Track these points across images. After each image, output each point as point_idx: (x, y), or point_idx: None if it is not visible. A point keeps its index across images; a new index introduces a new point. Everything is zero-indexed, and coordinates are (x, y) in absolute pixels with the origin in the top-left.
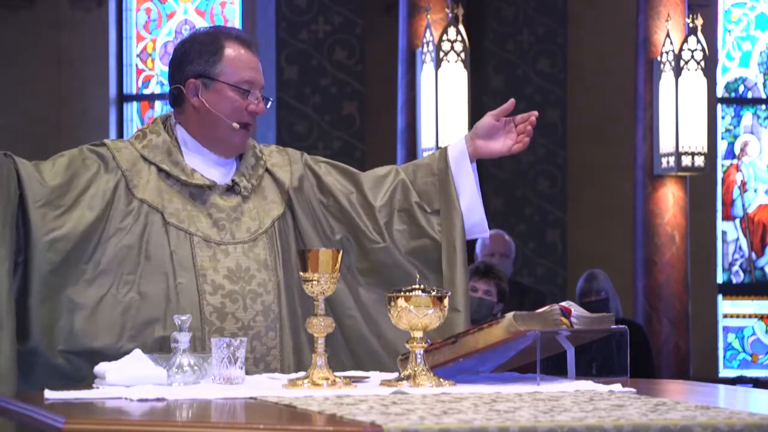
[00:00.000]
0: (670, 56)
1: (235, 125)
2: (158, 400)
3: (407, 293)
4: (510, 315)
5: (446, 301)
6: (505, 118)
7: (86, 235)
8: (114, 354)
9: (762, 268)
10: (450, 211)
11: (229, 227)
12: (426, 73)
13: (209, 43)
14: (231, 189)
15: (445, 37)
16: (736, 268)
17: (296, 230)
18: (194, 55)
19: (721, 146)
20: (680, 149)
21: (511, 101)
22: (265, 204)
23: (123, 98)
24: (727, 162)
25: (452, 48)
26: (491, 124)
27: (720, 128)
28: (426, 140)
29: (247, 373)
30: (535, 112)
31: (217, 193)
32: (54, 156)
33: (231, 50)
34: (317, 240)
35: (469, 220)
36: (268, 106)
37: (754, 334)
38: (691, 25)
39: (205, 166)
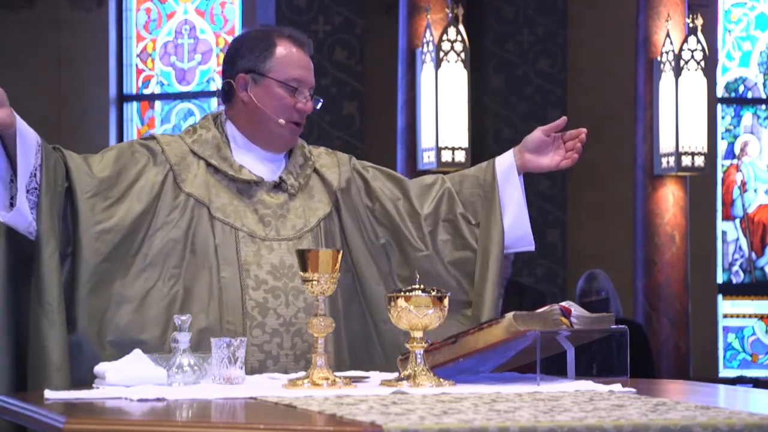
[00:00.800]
0: (670, 56)
1: (281, 121)
2: (158, 400)
3: (407, 293)
4: (510, 315)
5: (446, 301)
6: (555, 134)
7: (134, 227)
8: (159, 347)
9: (762, 268)
10: (490, 224)
11: (275, 224)
12: (426, 73)
13: (261, 39)
14: (278, 186)
15: (445, 37)
16: (736, 268)
17: (342, 231)
18: (246, 51)
19: (721, 146)
20: (680, 149)
21: (563, 119)
22: (312, 203)
23: (123, 98)
24: (727, 162)
25: (452, 48)
26: (541, 139)
27: (720, 128)
28: (426, 140)
29: (287, 370)
30: (584, 129)
31: (264, 190)
32: (104, 150)
33: (282, 48)
34: (362, 243)
35: (515, 233)
36: (318, 106)
37: (754, 334)
38: (691, 25)
39: (254, 162)
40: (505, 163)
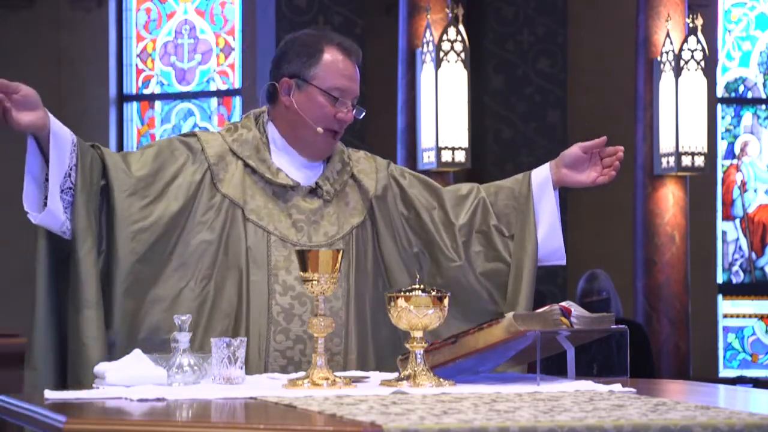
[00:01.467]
0: (670, 56)
1: (320, 129)
2: (158, 400)
3: (407, 293)
4: (510, 315)
5: (446, 301)
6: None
7: (170, 226)
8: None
9: (762, 268)
10: (524, 237)
11: (308, 230)
12: (426, 73)
13: (310, 45)
14: (314, 191)
15: (445, 37)
16: (736, 268)
17: (375, 239)
18: (293, 55)
19: (721, 146)
20: (680, 149)
21: (604, 138)
22: (347, 210)
23: (123, 98)
24: (727, 162)
25: (452, 48)
26: (578, 155)
27: (720, 128)
28: (426, 140)
29: None
30: (621, 147)
31: (299, 195)
32: (143, 146)
33: (329, 55)
34: (395, 250)
35: (548, 247)
36: (361, 116)
37: (754, 334)
38: (691, 25)
39: (291, 166)
40: (541, 176)
